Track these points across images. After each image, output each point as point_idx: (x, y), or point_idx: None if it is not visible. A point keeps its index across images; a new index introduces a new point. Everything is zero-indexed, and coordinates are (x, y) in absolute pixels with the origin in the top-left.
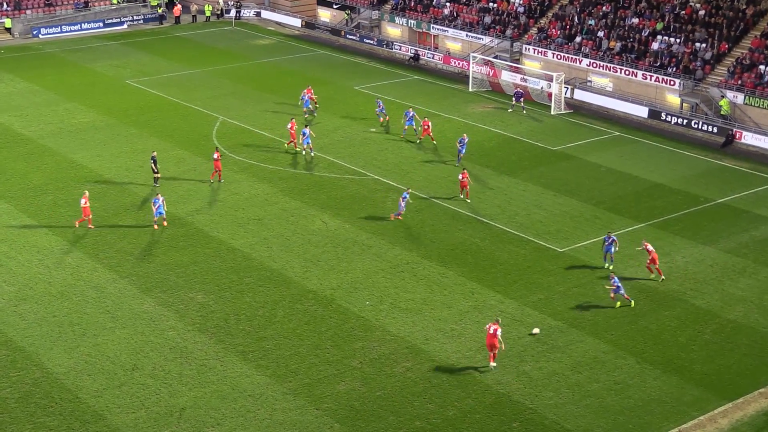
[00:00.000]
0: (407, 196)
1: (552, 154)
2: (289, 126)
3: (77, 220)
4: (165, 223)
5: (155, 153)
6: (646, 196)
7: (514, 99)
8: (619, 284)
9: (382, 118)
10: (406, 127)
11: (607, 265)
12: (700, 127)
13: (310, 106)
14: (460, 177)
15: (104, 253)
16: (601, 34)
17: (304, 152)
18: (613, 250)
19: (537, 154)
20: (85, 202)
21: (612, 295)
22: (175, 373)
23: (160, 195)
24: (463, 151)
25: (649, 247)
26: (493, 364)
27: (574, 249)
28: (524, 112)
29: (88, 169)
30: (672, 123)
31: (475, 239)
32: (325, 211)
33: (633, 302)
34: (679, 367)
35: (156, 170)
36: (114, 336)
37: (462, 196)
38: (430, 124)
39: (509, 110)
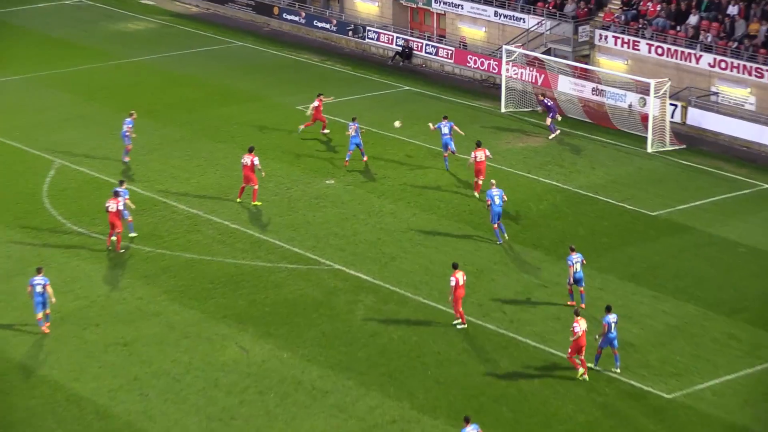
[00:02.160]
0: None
1: (650, 224)
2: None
3: None
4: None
5: None
6: None
7: (548, 117)
8: None
9: (356, 155)
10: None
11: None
12: None
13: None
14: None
15: None
16: (733, 9)
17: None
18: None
19: (624, 224)
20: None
21: None
22: None
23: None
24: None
25: None
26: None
27: (694, 395)
28: (552, 136)
29: None
30: None
31: (520, 380)
32: (244, 328)
33: None
34: None
35: None
36: None
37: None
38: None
39: (550, 137)
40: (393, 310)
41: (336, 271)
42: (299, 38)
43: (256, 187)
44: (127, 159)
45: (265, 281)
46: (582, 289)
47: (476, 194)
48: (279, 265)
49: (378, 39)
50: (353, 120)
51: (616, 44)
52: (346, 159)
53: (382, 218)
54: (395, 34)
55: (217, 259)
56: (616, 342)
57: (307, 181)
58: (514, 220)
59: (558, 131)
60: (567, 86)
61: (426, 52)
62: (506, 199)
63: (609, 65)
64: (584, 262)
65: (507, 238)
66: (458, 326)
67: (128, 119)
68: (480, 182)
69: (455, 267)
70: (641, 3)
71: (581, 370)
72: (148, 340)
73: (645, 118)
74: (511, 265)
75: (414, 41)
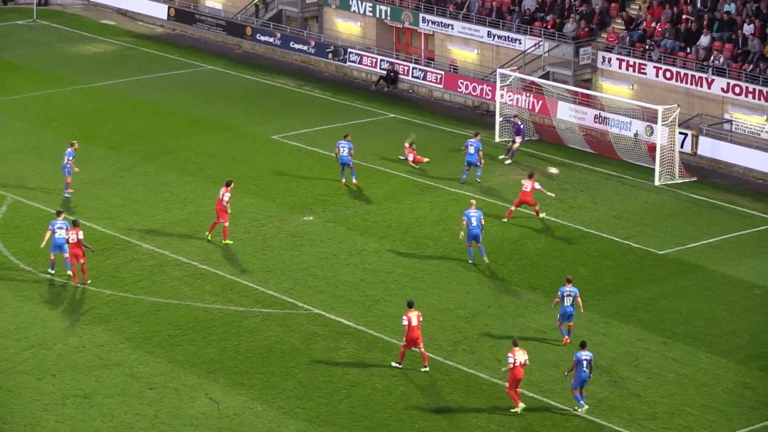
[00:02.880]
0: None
1: (658, 263)
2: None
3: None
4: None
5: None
6: None
7: (516, 141)
8: None
9: (345, 180)
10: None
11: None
12: None
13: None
14: (525, 185)
15: None
16: (748, 29)
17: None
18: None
19: (629, 264)
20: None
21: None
22: None
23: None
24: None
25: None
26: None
27: None
28: (509, 162)
29: None
30: None
31: None
32: (215, 377)
33: None
34: None
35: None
36: None
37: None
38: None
39: (507, 161)
40: (377, 357)
41: (315, 316)
42: (274, 61)
43: (227, 224)
44: (68, 193)
45: (238, 327)
46: (571, 324)
47: (542, 215)
48: (253, 309)
49: (360, 62)
50: (346, 138)
51: (620, 67)
52: (344, 178)
53: (366, 258)
54: (379, 57)
55: (184, 302)
56: (587, 382)
57: (283, 218)
58: (510, 259)
59: (511, 159)
60: (567, 113)
61: (413, 77)
62: (484, 224)
63: (613, 90)
64: (578, 298)
65: (487, 261)
66: (393, 364)
67: (69, 149)
68: (513, 209)
69: (410, 306)
70: (646, 22)
71: (521, 405)
72: (109, 392)
73: (652, 148)
74: (506, 308)
75: (400, 64)
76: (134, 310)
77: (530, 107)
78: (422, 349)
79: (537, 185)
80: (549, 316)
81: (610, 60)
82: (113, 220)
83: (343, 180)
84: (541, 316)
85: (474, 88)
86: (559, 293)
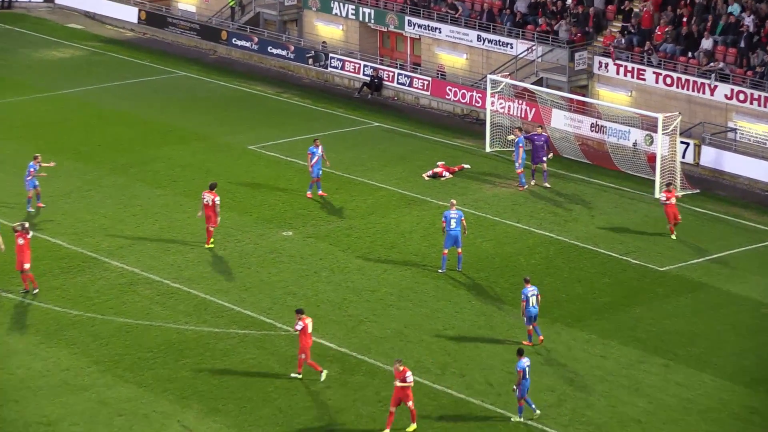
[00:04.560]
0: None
1: (659, 281)
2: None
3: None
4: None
5: None
6: None
7: (540, 157)
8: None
9: (310, 192)
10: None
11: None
12: None
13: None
14: (663, 198)
15: None
16: (753, 31)
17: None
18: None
19: (628, 282)
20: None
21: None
22: None
23: None
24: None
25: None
26: None
27: None
28: (533, 183)
29: None
30: None
31: None
32: (188, 404)
33: None
34: None
35: None
36: None
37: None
38: None
39: (541, 184)
40: (361, 382)
41: (295, 338)
42: (251, 67)
43: (212, 228)
44: (32, 208)
45: (212, 349)
46: (535, 323)
47: (672, 235)
48: (228, 330)
49: (342, 68)
50: (315, 142)
51: (618, 73)
52: (313, 191)
53: (348, 275)
54: (362, 62)
55: (156, 323)
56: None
57: (261, 233)
58: (502, 276)
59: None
60: (562, 122)
61: (398, 83)
62: (466, 226)
63: (610, 97)
64: (539, 296)
65: (460, 270)
66: (292, 375)
67: (32, 163)
68: (672, 226)
69: (300, 312)
70: (642, 25)
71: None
72: (76, 419)
73: (652, 158)
74: (498, 329)
75: (384, 70)
76: (102, 331)
77: (522, 115)
78: (302, 357)
79: (678, 193)
80: (545, 337)
81: (607, 65)
82: (80, 236)
83: (310, 193)
84: (536, 337)
85: (463, 95)
86: (523, 296)
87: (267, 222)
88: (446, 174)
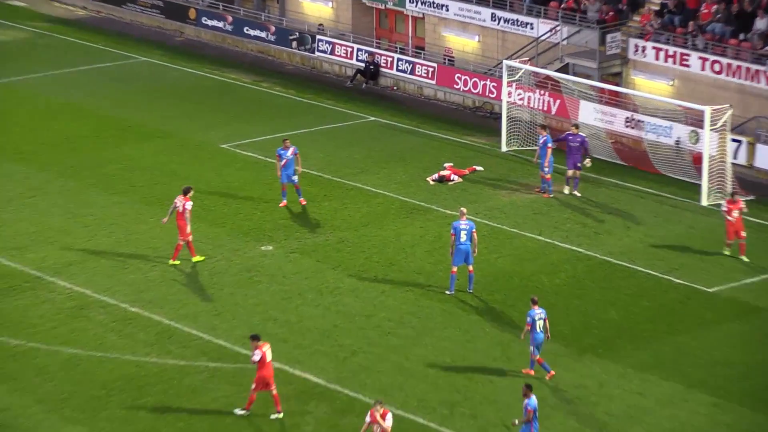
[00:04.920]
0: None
1: (707, 304)
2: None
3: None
4: None
5: None
6: None
7: (575, 163)
8: None
9: (285, 202)
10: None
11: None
12: None
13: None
14: (724, 208)
15: None
16: None
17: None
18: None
19: (670, 305)
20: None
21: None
22: None
23: None
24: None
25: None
26: None
27: None
28: (575, 192)
29: None
30: None
31: None
32: None
33: None
34: None
35: None
36: None
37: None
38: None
39: (571, 192)
40: (354, 425)
41: (275, 372)
42: (224, 51)
43: (182, 243)
44: None
45: (178, 385)
46: (540, 358)
47: (743, 257)
48: (197, 363)
49: (332, 52)
50: (285, 143)
51: (657, 58)
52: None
53: (339, 298)
54: (356, 46)
55: (111, 355)
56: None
57: (236, 247)
58: (521, 299)
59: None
60: (591, 116)
61: (398, 70)
62: (476, 239)
63: (648, 87)
64: (547, 321)
65: (471, 291)
66: (238, 412)
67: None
68: (730, 242)
69: (256, 339)
70: (685, 1)
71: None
72: None
73: (698, 158)
74: (516, 361)
75: (381, 55)
76: (47, 364)
77: (545, 108)
78: (275, 391)
79: (743, 206)
80: (572, 371)
81: (644, 49)
82: (21, 251)
83: (285, 202)
84: (561, 371)
85: (474, 85)
86: (528, 319)
87: (243, 235)
88: (455, 178)
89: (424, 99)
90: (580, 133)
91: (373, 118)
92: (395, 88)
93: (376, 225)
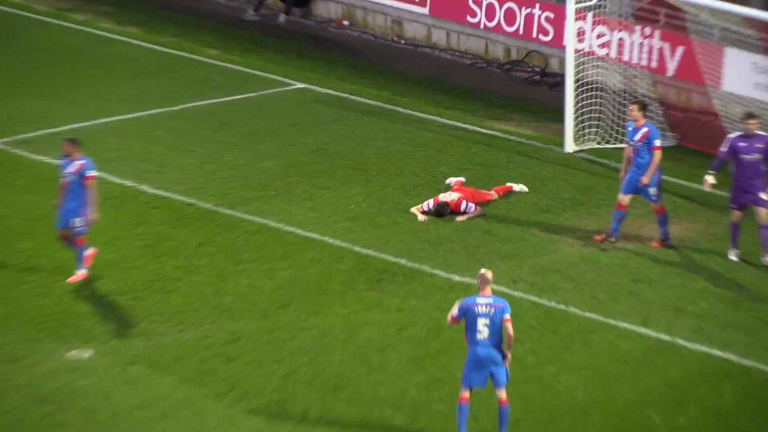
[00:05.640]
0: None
1: None
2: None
3: None
4: None
5: None
6: None
7: (755, 191)
8: None
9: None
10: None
11: None
12: None
13: None
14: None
15: None
16: None
17: None
18: None
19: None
20: None
21: None
22: None
23: None
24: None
25: None
26: None
27: None
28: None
29: None
30: None
31: None
32: None
33: None
34: None
35: None
36: None
37: None
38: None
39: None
40: None
41: None
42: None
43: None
44: None
45: None
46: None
47: None
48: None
49: None
50: (65, 148)
51: None
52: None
53: None
54: None
55: None
56: None
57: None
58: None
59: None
60: (750, 79)
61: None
62: (512, 336)
63: None
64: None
65: None
66: None
67: None
68: None
69: None
70: None
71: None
72: None
73: None
74: None
75: None
76: None
77: (655, 65)
78: None
79: None
80: None
81: None
82: None
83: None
84: None
85: (510, 16)
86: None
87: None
88: (471, 207)
89: (405, 45)
90: (760, 133)
91: (301, 85)
92: (346, 22)
93: (307, 306)
